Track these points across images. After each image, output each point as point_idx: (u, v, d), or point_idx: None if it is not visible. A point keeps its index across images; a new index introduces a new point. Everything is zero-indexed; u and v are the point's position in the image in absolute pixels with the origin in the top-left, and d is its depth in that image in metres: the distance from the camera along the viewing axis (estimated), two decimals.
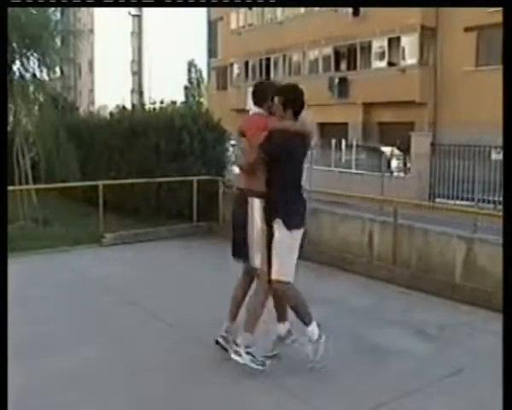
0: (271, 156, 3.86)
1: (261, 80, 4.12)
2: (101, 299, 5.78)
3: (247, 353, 3.86)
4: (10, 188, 6.82)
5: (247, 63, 30.83)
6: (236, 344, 3.92)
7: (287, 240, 3.87)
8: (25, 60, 9.87)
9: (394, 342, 4.67)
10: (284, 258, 3.87)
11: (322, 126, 26.64)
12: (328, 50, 26.12)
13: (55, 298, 5.77)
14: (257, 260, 3.94)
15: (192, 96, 52.01)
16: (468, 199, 14.00)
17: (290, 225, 3.87)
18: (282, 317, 4.20)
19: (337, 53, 25.89)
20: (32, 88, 10.40)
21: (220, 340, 4.19)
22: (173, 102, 11.06)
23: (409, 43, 22.83)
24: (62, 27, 10.84)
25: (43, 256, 7.57)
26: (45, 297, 5.74)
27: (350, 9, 23.75)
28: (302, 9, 26.22)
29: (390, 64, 23.70)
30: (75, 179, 9.93)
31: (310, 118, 4.52)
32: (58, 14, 11.00)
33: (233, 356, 3.91)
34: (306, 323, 3.96)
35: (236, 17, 30.88)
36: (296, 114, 3.97)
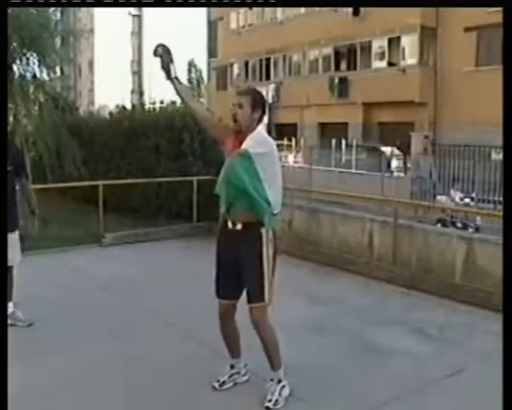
0: None
1: None
2: (100, 299, 5.78)
3: (283, 387, 3.62)
4: None
5: (247, 63, 30.84)
6: (275, 399, 3.53)
7: None
8: (25, 60, 9.88)
9: (394, 342, 4.67)
10: None
11: (323, 126, 26.69)
12: (328, 50, 26.13)
13: (55, 298, 5.76)
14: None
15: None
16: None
17: None
18: None
19: (337, 53, 25.91)
20: (31, 88, 10.41)
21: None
22: (173, 102, 11.05)
23: (409, 43, 22.85)
24: (62, 27, 10.85)
25: (43, 256, 7.57)
26: (45, 297, 5.73)
27: (350, 9, 23.76)
28: (302, 9, 26.23)
29: (390, 64, 23.72)
30: (75, 179, 9.93)
31: None
32: (58, 14, 11.01)
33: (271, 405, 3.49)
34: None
35: (236, 17, 30.89)
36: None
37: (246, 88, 3.75)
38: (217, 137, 3.74)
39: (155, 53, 3.58)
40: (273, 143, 3.53)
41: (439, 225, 9.32)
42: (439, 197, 13.01)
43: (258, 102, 3.51)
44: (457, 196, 12.42)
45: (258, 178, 3.35)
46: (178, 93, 3.68)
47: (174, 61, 3.57)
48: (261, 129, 3.51)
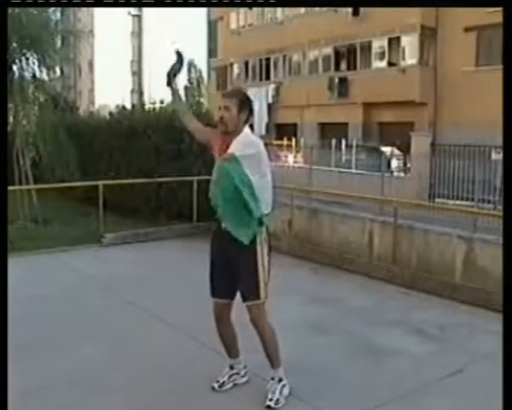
0: None
1: None
2: (100, 299, 5.78)
3: (283, 386, 3.63)
4: (10, 188, 6.81)
5: (247, 63, 30.82)
6: (276, 397, 3.54)
7: None
8: (25, 60, 9.87)
9: (394, 342, 4.67)
10: None
11: (323, 126, 26.67)
12: (328, 50, 26.12)
13: (55, 298, 5.77)
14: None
15: (192, 96, 51.99)
16: (468, 199, 13.97)
17: None
18: None
19: (337, 53, 25.90)
20: (31, 88, 10.39)
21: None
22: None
23: (409, 43, 22.84)
24: (62, 27, 10.84)
25: (43, 256, 7.57)
26: (45, 297, 5.74)
27: (350, 9, 23.76)
28: (302, 9, 26.22)
29: (390, 64, 23.71)
30: (74, 179, 9.93)
31: None
32: (58, 14, 10.99)
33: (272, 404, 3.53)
34: None
35: (236, 17, 30.88)
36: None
37: (231, 90, 3.80)
38: (206, 142, 3.87)
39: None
40: (260, 143, 3.55)
41: None
42: None
43: (244, 103, 3.53)
44: None
45: (246, 180, 3.37)
46: (175, 101, 3.94)
47: (181, 72, 3.76)
48: (248, 131, 3.53)
